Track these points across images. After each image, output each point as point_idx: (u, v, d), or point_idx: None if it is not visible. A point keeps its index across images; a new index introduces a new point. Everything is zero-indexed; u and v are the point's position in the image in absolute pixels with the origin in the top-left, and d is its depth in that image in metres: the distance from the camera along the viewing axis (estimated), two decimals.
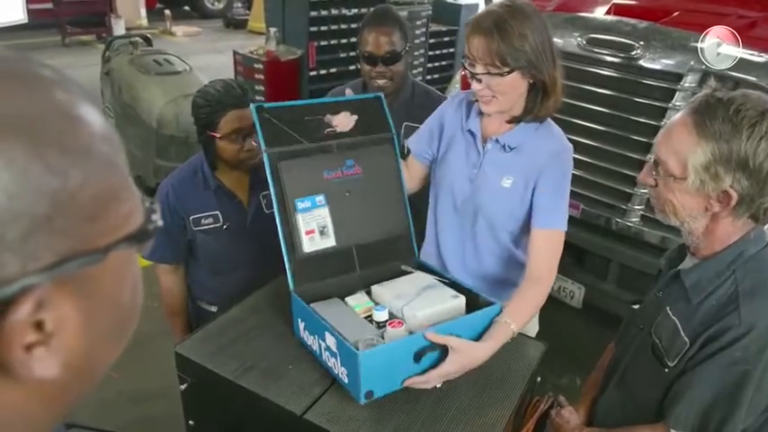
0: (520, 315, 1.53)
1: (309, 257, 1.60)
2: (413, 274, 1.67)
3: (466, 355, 1.39)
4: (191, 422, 1.63)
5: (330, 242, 1.65)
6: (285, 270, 1.58)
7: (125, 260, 0.44)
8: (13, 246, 0.36)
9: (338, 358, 1.37)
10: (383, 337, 1.41)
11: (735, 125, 1.11)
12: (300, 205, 1.59)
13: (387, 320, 1.46)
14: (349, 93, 1.97)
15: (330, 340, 1.38)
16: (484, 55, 1.52)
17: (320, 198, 1.63)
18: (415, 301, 1.52)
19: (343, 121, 1.71)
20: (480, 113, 1.70)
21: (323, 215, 1.62)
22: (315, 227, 1.62)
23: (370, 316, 1.51)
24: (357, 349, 1.32)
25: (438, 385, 1.40)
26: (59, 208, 0.37)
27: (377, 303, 1.57)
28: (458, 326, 1.41)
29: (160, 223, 0.46)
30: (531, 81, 1.57)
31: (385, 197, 1.74)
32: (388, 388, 1.36)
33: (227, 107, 1.78)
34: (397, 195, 1.76)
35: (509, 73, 1.52)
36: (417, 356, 1.34)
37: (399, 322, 1.41)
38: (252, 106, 1.61)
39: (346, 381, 1.36)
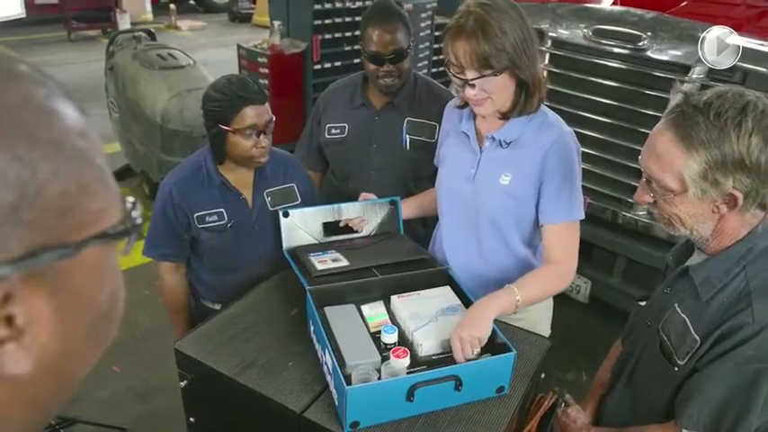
0: (527, 287, 1.56)
1: (323, 274, 1.66)
2: (436, 291, 1.63)
3: (468, 315, 1.46)
4: (191, 419, 1.62)
5: (343, 263, 1.71)
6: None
7: (102, 259, 0.44)
8: None
9: (332, 378, 1.35)
10: (384, 362, 1.38)
11: (720, 129, 1.08)
12: (312, 254, 1.77)
13: (394, 344, 1.43)
14: (366, 197, 1.95)
15: (328, 359, 1.37)
16: (473, 60, 1.49)
17: (331, 251, 1.80)
18: (429, 326, 1.48)
19: (358, 225, 1.91)
20: (472, 114, 1.68)
21: (335, 255, 1.77)
22: (327, 259, 1.74)
23: (380, 331, 1.47)
24: (350, 377, 1.32)
25: (476, 350, 1.41)
26: (27, 199, 0.37)
27: (392, 318, 1.55)
28: (466, 369, 1.36)
29: (139, 221, 0.45)
30: (516, 80, 1.55)
31: (398, 245, 1.86)
32: (377, 420, 1.32)
33: (245, 102, 1.75)
34: (410, 243, 1.87)
35: (500, 72, 1.50)
36: (409, 394, 1.30)
37: (405, 351, 1.37)
38: (279, 211, 1.84)
39: (336, 403, 1.35)
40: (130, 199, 0.46)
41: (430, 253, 1.86)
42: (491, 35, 1.46)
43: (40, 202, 0.38)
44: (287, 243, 1.84)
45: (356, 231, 1.92)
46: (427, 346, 1.44)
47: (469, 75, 1.51)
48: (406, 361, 1.37)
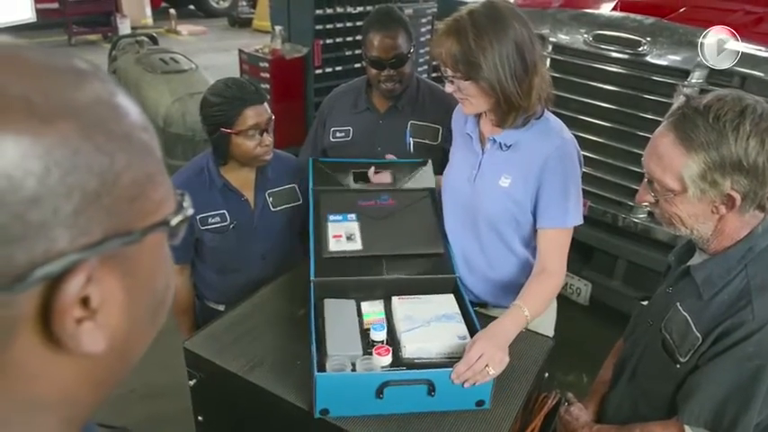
0: (533, 302, 1.55)
1: (334, 257, 1.67)
2: (439, 298, 1.63)
3: (484, 338, 1.38)
4: (200, 418, 1.64)
5: (356, 246, 1.71)
6: (308, 264, 1.66)
7: (159, 247, 0.46)
8: (66, 220, 0.38)
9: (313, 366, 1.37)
10: (364, 357, 1.40)
11: (719, 131, 1.12)
12: (332, 217, 1.77)
13: (381, 342, 1.44)
14: (390, 157, 1.99)
15: (312, 347, 1.39)
16: (446, 59, 1.53)
17: (352, 216, 1.78)
18: (419, 330, 1.49)
19: (384, 180, 1.93)
20: (476, 116, 1.71)
21: (352, 226, 1.75)
22: (342, 232, 1.73)
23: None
24: (324, 366, 1.35)
25: (491, 372, 1.34)
26: (106, 187, 0.40)
27: (388, 318, 1.57)
28: (440, 375, 1.35)
29: (191, 211, 0.48)
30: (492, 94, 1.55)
31: (419, 222, 1.82)
32: (348, 412, 1.34)
33: (246, 103, 1.78)
34: (431, 221, 1.83)
35: (467, 79, 1.53)
36: (379, 391, 1.32)
37: (387, 350, 1.39)
38: (309, 160, 1.90)
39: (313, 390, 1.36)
40: (179, 190, 0.48)
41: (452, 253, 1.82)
42: (465, 43, 1.49)
43: (115, 191, 0.40)
44: (315, 184, 1.87)
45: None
46: (411, 348, 1.45)
47: (448, 72, 1.57)
48: (387, 359, 1.38)
